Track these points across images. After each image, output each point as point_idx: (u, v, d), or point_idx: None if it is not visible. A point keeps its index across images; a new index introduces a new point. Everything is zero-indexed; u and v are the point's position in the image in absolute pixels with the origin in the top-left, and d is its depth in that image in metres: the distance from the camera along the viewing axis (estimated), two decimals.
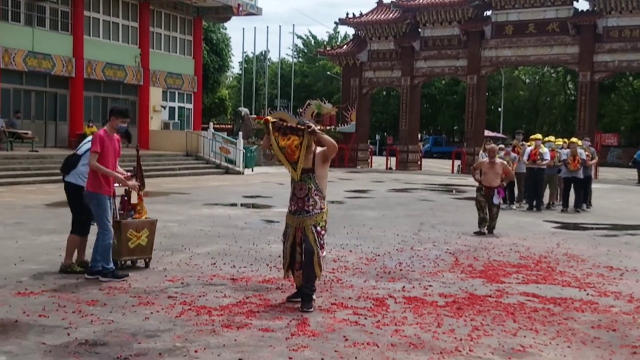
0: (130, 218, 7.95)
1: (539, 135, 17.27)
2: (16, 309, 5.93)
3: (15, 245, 8.60)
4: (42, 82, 28.16)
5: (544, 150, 16.51)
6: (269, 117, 6.41)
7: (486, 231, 11.78)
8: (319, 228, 6.25)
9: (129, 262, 7.91)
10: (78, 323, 5.55)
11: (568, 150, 16.54)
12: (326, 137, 6.25)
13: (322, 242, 6.27)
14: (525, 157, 16.60)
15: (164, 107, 33.97)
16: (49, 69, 27.72)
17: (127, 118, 7.43)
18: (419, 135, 46.84)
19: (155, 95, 32.97)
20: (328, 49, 42.57)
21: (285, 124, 6.30)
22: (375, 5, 39.06)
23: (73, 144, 26.21)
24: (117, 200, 8.14)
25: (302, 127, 6.18)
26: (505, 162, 12.21)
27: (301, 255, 6.30)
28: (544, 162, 16.32)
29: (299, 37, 78.03)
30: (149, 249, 8.03)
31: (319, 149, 6.29)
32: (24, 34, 26.62)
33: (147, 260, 8.04)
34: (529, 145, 17.00)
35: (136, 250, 7.88)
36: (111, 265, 7.11)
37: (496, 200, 11.89)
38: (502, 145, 18.01)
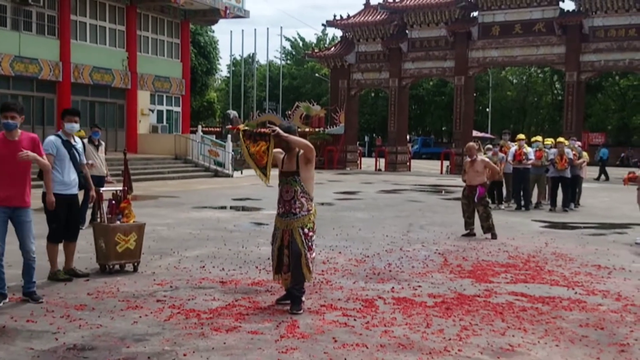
0: (118, 222, 7.92)
1: (522, 136, 17.36)
2: (4, 315, 5.89)
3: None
4: (29, 87, 28.00)
5: (528, 150, 16.60)
6: (239, 126, 6.48)
7: (489, 235, 11.42)
8: (306, 230, 6.25)
9: (117, 267, 7.88)
10: (66, 328, 5.52)
11: (555, 150, 16.61)
12: (294, 138, 6.22)
13: (309, 243, 6.26)
14: (510, 158, 16.67)
15: (152, 111, 33.84)
16: (35, 74, 27.57)
17: (8, 112, 6.26)
18: (408, 137, 46.96)
19: (143, 98, 32.85)
20: (316, 51, 42.61)
21: (256, 130, 6.35)
22: (363, 7, 39.16)
23: None
24: (105, 204, 8.12)
25: (267, 132, 6.20)
26: (487, 159, 12.01)
27: (289, 258, 6.30)
28: (529, 162, 16.39)
29: (287, 39, 78.10)
30: (138, 253, 8.00)
31: (301, 151, 6.29)
32: (10, 39, 26.46)
33: (136, 264, 8.01)
34: (515, 146, 17.07)
35: (124, 254, 7.85)
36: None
37: (476, 199, 11.58)
38: (489, 146, 18.08)
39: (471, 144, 12.24)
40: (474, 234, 11.63)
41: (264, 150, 6.19)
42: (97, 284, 7.22)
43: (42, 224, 7.57)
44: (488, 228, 11.48)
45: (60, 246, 7.55)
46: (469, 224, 11.69)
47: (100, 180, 11.68)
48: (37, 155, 6.35)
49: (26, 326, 5.57)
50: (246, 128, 6.36)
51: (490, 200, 16.96)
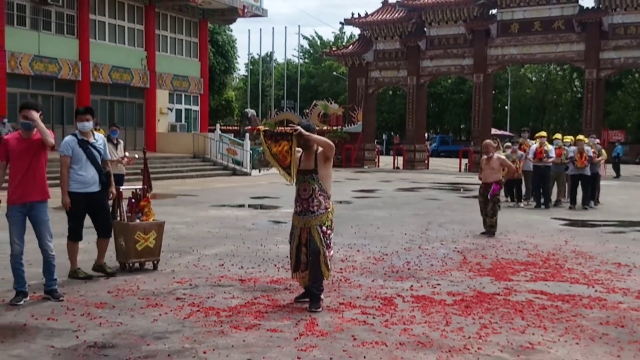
0: (138, 220, 7.97)
1: (543, 133, 17.21)
2: (25, 313, 5.95)
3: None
4: (49, 86, 28.25)
5: (549, 147, 16.47)
6: (260, 127, 6.46)
7: (486, 231, 11.41)
8: (324, 228, 6.25)
9: (137, 265, 7.93)
10: (86, 326, 5.56)
11: (575, 147, 16.48)
12: (316, 137, 6.24)
13: (328, 241, 6.27)
14: (531, 155, 16.56)
15: (171, 110, 34.03)
16: (55, 73, 27.81)
17: (27, 109, 6.34)
18: (426, 135, 46.79)
19: (161, 97, 33.04)
20: (334, 49, 42.57)
21: (276, 130, 6.34)
22: (381, 5, 39.03)
23: None
24: (125, 202, 8.17)
25: (290, 132, 6.20)
26: (503, 157, 11.94)
27: (307, 256, 6.31)
28: (550, 160, 16.27)
29: (305, 37, 78.18)
30: (157, 251, 8.05)
31: (319, 149, 6.29)
32: (29, 38, 26.71)
33: (155, 262, 8.05)
34: (535, 143, 16.96)
35: (144, 253, 7.90)
36: (19, 287, 6.43)
37: (489, 195, 11.51)
38: (508, 143, 17.98)
39: (488, 141, 12.20)
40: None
41: (286, 150, 6.17)
42: (117, 282, 7.27)
43: (63, 222, 7.63)
44: (490, 225, 11.49)
45: (92, 243, 7.59)
46: (486, 219, 11.65)
47: (120, 179, 11.75)
48: (39, 122, 6.31)
49: (47, 324, 5.62)
50: (266, 128, 6.36)
51: (509, 199, 17.03)
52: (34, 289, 6.72)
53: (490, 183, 11.59)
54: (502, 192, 17.55)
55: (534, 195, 16.96)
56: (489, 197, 11.56)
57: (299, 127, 6.17)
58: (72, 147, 7.34)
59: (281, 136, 6.24)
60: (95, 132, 7.68)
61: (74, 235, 7.47)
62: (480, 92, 35.45)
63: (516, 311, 6.25)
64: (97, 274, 7.57)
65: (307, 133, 6.15)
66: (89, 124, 7.44)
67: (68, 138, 7.46)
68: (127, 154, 12.21)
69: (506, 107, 62.73)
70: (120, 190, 8.47)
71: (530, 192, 17.37)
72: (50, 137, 6.36)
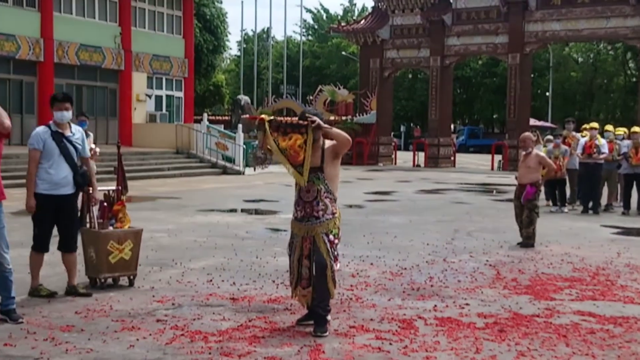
0: (110, 228, 7.99)
1: (595, 124, 17.17)
2: None
3: None
4: (5, 68, 28.31)
5: (602, 142, 16.40)
6: (264, 116, 6.35)
7: (524, 243, 11.41)
8: (331, 237, 6.25)
9: (110, 280, 7.95)
10: (50, 353, 5.58)
11: (629, 141, 16.45)
12: (336, 130, 6.25)
13: (335, 253, 6.28)
14: (579, 151, 16.53)
15: (150, 96, 34.09)
16: (12, 53, 27.87)
17: None
18: (452, 126, 46.78)
19: (138, 82, 33.10)
20: (343, 24, 42.57)
21: (284, 120, 6.29)
22: None
23: None
24: (96, 207, 8.18)
25: (305, 123, 6.15)
26: (542, 154, 11.86)
27: (309, 270, 6.31)
28: (602, 156, 16.22)
29: (308, 10, 78.10)
30: (134, 265, 8.06)
31: (327, 143, 6.28)
32: None
33: (132, 277, 8.07)
34: (584, 136, 16.92)
35: (118, 266, 7.91)
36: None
37: (522, 199, 11.50)
38: (550, 137, 17.96)
39: (526, 134, 12.16)
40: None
41: (299, 144, 6.12)
42: (87, 301, 7.29)
43: (24, 229, 7.66)
44: (527, 236, 11.45)
45: (57, 255, 7.60)
46: (522, 228, 11.63)
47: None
48: None
49: (3, 350, 5.64)
50: (271, 118, 6.31)
51: (550, 202, 17.01)
52: None
53: (525, 185, 11.57)
54: (541, 196, 17.62)
55: (580, 198, 16.93)
56: (522, 201, 11.56)
57: (316, 118, 6.13)
58: (44, 140, 7.29)
59: (292, 128, 6.20)
60: (73, 125, 7.67)
61: (39, 245, 7.45)
62: (516, 76, 35.39)
63: (559, 336, 6.25)
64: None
65: (327, 126, 6.16)
66: (69, 114, 7.44)
67: (40, 129, 7.42)
68: (97, 148, 12.20)
69: (547, 94, 62.61)
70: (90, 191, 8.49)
71: (575, 195, 17.34)
72: (6, 117, 6.34)
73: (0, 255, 6.49)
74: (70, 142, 7.42)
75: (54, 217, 7.42)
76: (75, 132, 7.57)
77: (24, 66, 28.75)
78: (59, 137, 7.36)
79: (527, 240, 11.41)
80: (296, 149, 6.15)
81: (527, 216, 11.44)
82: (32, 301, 7.24)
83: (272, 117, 6.32)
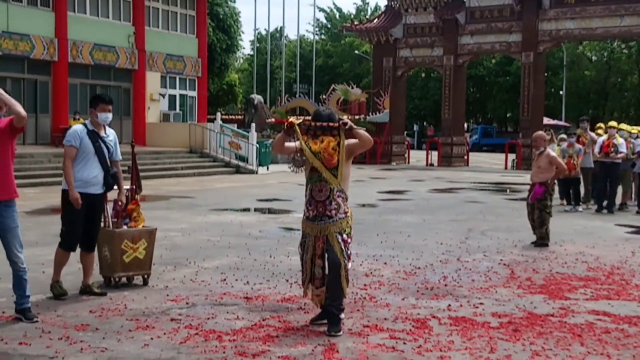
0: (125, 227, 8.01)
1: (614, 123, 17.09)
2: None
3: None
4: (19, 68, 28.45)
5: (620, 141, 16.29)
6: (293, 120, 6.33)
7: (537, 242, 11.39)
8: (344, 236, 6.25)
9: (124, 279, 7.97)
10: (65, 352, 5.59)
11: None
12: (362, 132, 6.27)
13: (349, 252, 6.28)
14: (597, 149, 16.43)
15: (163, 96, 34.19)
16: (27, 52, 28.00)
17: None
18: (465, 125, 46.68)
19: (152, 81, 33.19)
20: (355, 23, 42.56)
21: (313, 123, 6.26)
22: None
23: (56, 140, 26.48)
24: (110, 205, 8.21)
25: (337, 125, 6.16)
26: (553, 154, 11.80)
27: (322, 269, 6.31)
28: (619, 155, 16.12)
29: (321, 9, 78.25)
30: (148, 264, 8.08)
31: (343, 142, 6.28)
32: None
33: (146, 276, 8.09)
34: (600, 135, 16.83)
35: (132, 265, 7.93)
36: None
37: (530, 198, 11.53)
38: (564, 135, 17.89)
39: (539, 133, 12.13)
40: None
41: (333, 147, 6.13)
42: (101, 300, 7.31)
43: (38, 229, 7.68)
44: (540, 236, 11.40)
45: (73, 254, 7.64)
46: (535, 228, 11.59)
47: None
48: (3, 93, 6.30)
49: (18, 349, 5.66)
50: (300, 121, 6.29)
51: (564, 201, 16.94)
52: (3, 307, 6.78)
53: (535, 184, 11.55)
54: (555, 195, 17.55)
55: (595, 197, 16.86)
56: (530, 200, 11.57)
57: (348, 120, 6.20)
58: (81, 138, 7.38)
59: (322, 130, 6.19)
60: (107, 127, 7.73)
61: (68, 243, 7.48)
62: (530, 74, 35.28)
63: (574, 336, 6.22)
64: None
65: (356, 127, 6.18)
66: (111, 116, 7.57)
67: (78, 127, 7.50)
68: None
69: (561, 92, 62.42)
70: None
71: (590, 194, 17.26)
72: (21, 107, 6.34)
73: (14, 254, 6.52)
74: (105, 142, 7.52)
75: (84, 216, 7.44)
76: (110, 134, 7.68)
77: (39, 66, 28.88)
78: (94, 137, 7.45)
79: (541, 240, 11.37)
80: (330, 151, 6.15)
81: (538, 216, 11.40)
82: (47, 300, 7.26)
83: (300, 121, 6.30)
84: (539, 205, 11.41)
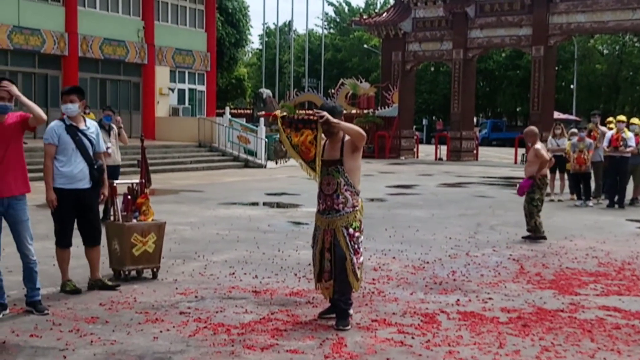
0: (134, 220, 8.03)
1: (622, 117, 17.01)
2: (4, 328, 6.03)
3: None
4: (30, 62, 28.55)
5: (629, 135, 16.25)
6: (276, 112, 6.40)
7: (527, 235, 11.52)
8: (351, 230, 6.25)
9: (133, 273, 8.00)
10: (76, 344, 5.63)
11: None
12: (345, 124, 6.22)
13: (356, 246, 6.27)
14: (605, 143, 16.38)
15: (172, 90, 34.24)
16: (37, 47, 28.08)
17: None
18: (475, 119, 46.58)
19: (161, 75, 33.24)
20: (364, 17, 42.46)
21: (297, 116, 6.32)
22: None
23: None
24: (119, 199, 8.23)
25: (314, 118, 6.17)
26: (538, 147, 11.89)
27: (331, 263, 6.33)
28: (628, 150, 16.08)
29: (330, 3, 78.04)
30: (157, 257, 8.11)
31: (347, 136, 6.29)
32: (8, 6, 26.99)
33: (155, 269, 8.12)
34: (610, 129, 16.77)
35: (142, 259, 7.96)
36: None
37: (518, 193, 11.77)
38: (574, 130, 17.84)
39: (529, 128, 12.33)
40: (544, 237, 11.44)
41: (310, 140, 6.17)
42: (111, 293, 7.34)
43: (48, 222, 7.71)
44: (529, 229, 11.49)
45: (81, 247, 7.64)
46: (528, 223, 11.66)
47: (115, 171, 11.83)
48: (22, 95, 6.39)
49: (29, 342, 5.70)
50: (284, 114, 6.33)
51: (575, 196, 16.90)
52: (14, 300, 6.81)
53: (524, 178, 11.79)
54: (566, 190, 17.50)
55: (605, 191, 16.80)
56: (517, 193, 11.83)
57: (324, 113, 6.14)
58: (59, 134, 7.26)
59: (303, 123, 6.22)
60: (87, 119, 7.67)
61: (61, 240, 7.44)
62: (541, 68, 35.16)
63: (584, 331, 6.21)
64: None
65: (335, 120, 6.14)
66: (74, 107, 7.33)
67: (54, 123, 7.37)
68: (110, 147, 11.90)
69: (572, 86, 62.17)
70: (115, 184, 8.52)
71: (601, 189, 17.20)
72: (41, 111, 6.42)
73: (24, 247, 6.55)
74: (86, 135, 7.39)
75: (74, 212, 7.39)
76: (90, 126, 7.53)
77: (49, 60, 28.96)
78: (73, 131, 7.32)
79: (530, 233, 11.45)
80: (307, 144, 6.19)
81: (527, 209, 11.55)
82: (57, 293, 7.30)
83: (284, 114, 6.33)
84: (527, 197, 11.60)
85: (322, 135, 6.24)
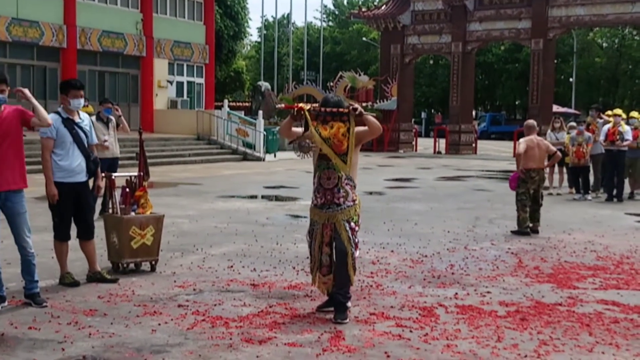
0: (133, 213, 8.03)
1: (619, 111, 17.02)
2: (2, 321, 6.04)
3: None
4: (29, 54, 28.51)
5: (625, 128, 16.26)
6: (303, 105, 6.31)
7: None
8: (352, 224, 6.26)
9: (132, 265, 8.01)
10: (74, 336, 5.64)
11: None
12: (372, 118, 6.26)
13: (356, 240, 6.29)
14: (602, 137, 16.39)
15: (171, 83, 34.20)
16: (36, 39, 28.03)
17: None
18: (474, 113, 46.56)
19: (160, 68, 33.20)
20: (363, 10, 42.50)
21: (323, 109, 6.22)
22: None
23: None
24: (118, 192, 8.23)
25: (347, 111, 6.13)
26: (519, 141, 11.93)
27: (330, 257, 6.33)
28: (625, 143, 16.09)
29: None
30: (155, 250, 8.12)
31: (358, 128, 6.26)
32: None
33: (153, 262, 8.12)
34: (607, 123, 16.77)
35: (140, 251, 7.96)
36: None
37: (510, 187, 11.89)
38: (573, 123, 17.84)
39: (527, 121, 12.31)
40: (537, 231, 11.43)
41: (343, 133, 6.09)
42: (110, 286, 7.34)
43: (47, 214, 7.70)
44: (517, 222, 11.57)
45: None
46: (531, 218, 11.63)
47: (113, 164, 11.82)
48: (32, 97, 6.48)
49: (28, 334, 5.71)
50: (309, 107, 6.26)
51: (574, 190, 16.91)
52: (12, 292, 6.82)
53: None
54: (565, 183, 17.50)
55: (604, 185, 16.81)
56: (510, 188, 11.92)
57: (357, 106, 6.17)
58: (57, 128, 7.24)
59: (332, 116, 6.16)
60: (80, 111, 7.67)
61: (61, 234, 7.43)
62: (540, 61, 35.12)
63: (582, 325, 6.22)
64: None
65: (366, 113, 6.16)
66: (83, 101, 7.48)
67: (51, 116, 7.26)
68: (107, 140, 11.88)
69: (571, 80, 62.15)
70: (113, 177, 8.52)
71: (599, 182, 17.21)
72: (48, 117, 6.57)
73: (22, 239, 6.56)
74: (81, 128, 7.41)
75: (73, 205, 7.39)
76: (84, 118, 7.56)
77: (48, 52, 28.93)
78: (70, 124, 7.33)
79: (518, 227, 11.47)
80: (340, 137, 6.11)
81: (516, 204, 11.60)
82: (56, 285, 7.31)
83: (309, 106, 6.27)
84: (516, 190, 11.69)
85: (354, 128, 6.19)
